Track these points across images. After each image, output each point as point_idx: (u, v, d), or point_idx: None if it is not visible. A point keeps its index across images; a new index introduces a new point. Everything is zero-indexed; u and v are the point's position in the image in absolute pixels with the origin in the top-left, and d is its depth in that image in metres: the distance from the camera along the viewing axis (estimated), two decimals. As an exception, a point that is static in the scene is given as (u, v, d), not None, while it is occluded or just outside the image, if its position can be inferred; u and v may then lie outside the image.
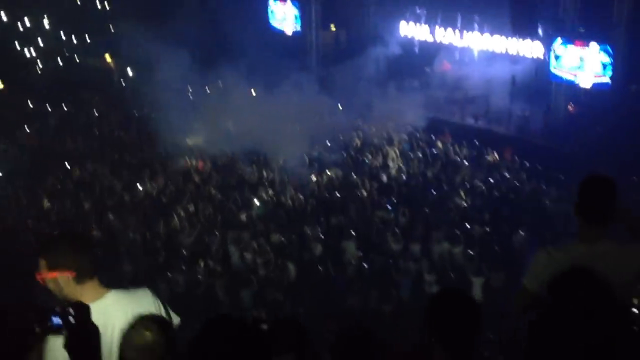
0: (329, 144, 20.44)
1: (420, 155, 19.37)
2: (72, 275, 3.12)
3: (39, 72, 29.57)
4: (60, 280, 3.11)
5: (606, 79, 19.00)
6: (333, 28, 29.56)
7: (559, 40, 19.98)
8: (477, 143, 19.95)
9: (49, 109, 24.62)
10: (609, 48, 18.99)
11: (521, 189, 16.65)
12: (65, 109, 24.86)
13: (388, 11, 26.71)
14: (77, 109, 24.87)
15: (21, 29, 32.35)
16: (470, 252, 12.87)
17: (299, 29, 28.53)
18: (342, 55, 26.52)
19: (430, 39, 25.35)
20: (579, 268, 2.72)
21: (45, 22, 33.11)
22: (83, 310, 2.66)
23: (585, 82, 19.52)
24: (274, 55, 24.55)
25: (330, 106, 23.12)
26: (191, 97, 23.39)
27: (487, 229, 13.99)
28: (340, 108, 23.05)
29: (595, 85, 19.34)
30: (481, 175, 17.55)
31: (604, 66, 19.13)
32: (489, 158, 19.05)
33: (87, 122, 23.88)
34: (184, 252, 13.78)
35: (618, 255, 3.43)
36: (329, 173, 18.10)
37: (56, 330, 2.61)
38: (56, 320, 2.60)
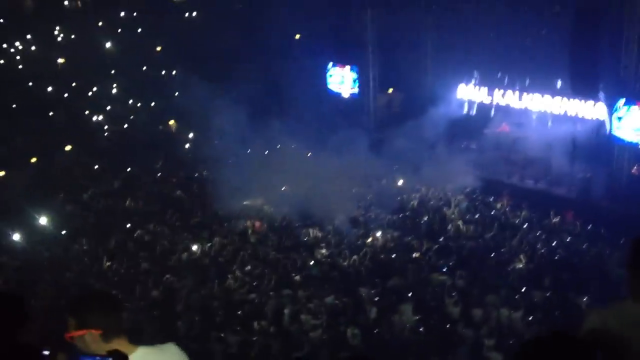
0: (385, 206, 20.36)
1: (478, 217, 19.08)
2: (99, 332, 3.19)
3: (106, 135, 30.76)
4: (87, 338, 3.19)
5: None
6: (390, 91, 29.86)
7: (621, 101, 19.65)
8: (537, 205, 19.54)
9: (114, 171, 25.47)
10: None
11: (584, 252, 16.14)
12: (130, 170, 25.66)
13: (446, 73, 26.91)
14: (141, 171, 25.65)
15: (90, 94, 33.94)
16: (530, 318, 12.46)
17: (356, 91, 28.99)
18: (399, 117, 26.68)
19: (488, 100, 25.32)
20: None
21: (113, 88, 34.73)
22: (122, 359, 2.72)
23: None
24: (332, 118, 24.93)
25: (387, 168, 23.20)
26: (250, 159, 23.84)
27: (548, 294, 13.56)
28: (397, 170, 23.06)
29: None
30: (542, 239, 17.13)
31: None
32: (550, 221, 18.60)
33: (150, 183, 24.56)
34: (239, 313, 13.81)
35: None
36: (385, 235, 17.98)
37: None
38: None
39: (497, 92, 24.86)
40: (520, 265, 15.34)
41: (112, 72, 35.20)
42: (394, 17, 27.45)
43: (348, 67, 29.49)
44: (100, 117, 32.13)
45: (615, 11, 19.86)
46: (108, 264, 16.99)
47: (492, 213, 19.57)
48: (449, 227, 18.40)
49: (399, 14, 27.63)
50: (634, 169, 20.20)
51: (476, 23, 25.40)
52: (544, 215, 18.96)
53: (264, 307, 13.93)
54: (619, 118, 19.77)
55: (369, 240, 17.59)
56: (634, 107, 19.41)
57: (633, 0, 19.21)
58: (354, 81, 29.27)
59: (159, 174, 25.68)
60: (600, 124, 21.35)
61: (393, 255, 16.31)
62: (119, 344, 3.27)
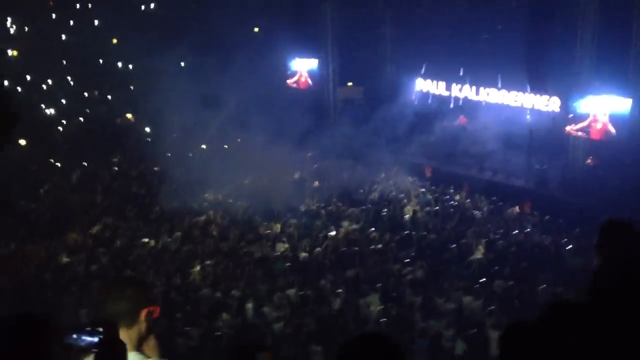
0: (346, 198, 20.47)
1: (439, 208, 19.33)
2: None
3: (62, 130, 30.16)
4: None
5: (610, 134, 19.20)
6: (349, 84, 30.00)
7: (574, 94, 20.17)
8: (495, 197, 19.90)
9: (70, 166, 25.00)
10: (623, 100, 19.12)
11: (541, 242, 16.50)
12: (86, 165, 25.23)
13: (405, 67, 27.15)
14: (99, 165, 25.25)
15: (45, 88, 33.19)
16: (490, 307, 12.69)
17: (315, 85, 29.08)
18: (358, 111, 26.83)
19: (446, 94, 25.67)
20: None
21: (69, 81, 34.01)
22: (113, 329, 2.70)
23: (599, 135, 19.61)
24: (292, 112, 24.93)
25: (348, 161, 23.33)
26: (210, 152, 23.70)
27: (508, 283, 13.82)
28: (357, 162, 23.21)
29: (609, 137, 19.43)
30: (501, 229, 17.45)
31: (617, 119, 19.26)
32: (508, 211, 18.96)
33: (108, 178, 24.19)
34: (202, 306, 13.73)
35: None
36: (346, 227, 18.08)
37: (85, 348, 2.66)
38: (85, 338, 2.65)
39: (455, 86, 25.24)
40: (480, 256, 15.60)
41: (67, 64, 34.45)
42: (353, 10, 27.59)
43: (307, 61, 29.52)
44: (56, 111, 31.46)
45: (570, 5, 20.30)
46: (66, 260, 16.70)
47: (451, 204, 19.83)
48: (410, 218, 18.59)
49: (358, 7, 27.78)
50: (588, 161, 20.73)
51: (434, 17, 25.72)
52: (502, 206, 19.31)
53: (226, 301, 13.88)
54: (573, 110, 20.29)
55: (331, 232, 17.66)
56: (585, 99, 19.94)
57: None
58: (313, 75, 29.33)
59: (117, 168, 25.31)
60: (555, 116, 21.87)
61: (355, 248, 16.40)
62: None
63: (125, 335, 2.96)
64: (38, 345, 2.56)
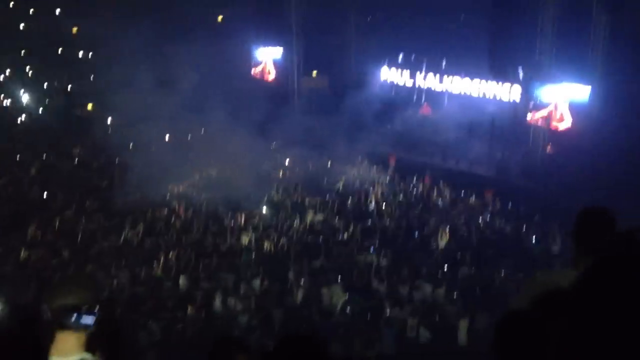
0: (311, 189, 20.45)
1: (402, 197, 19.43)
2: None
3: (21, 122, 29.54)
4: None
5: (569, 122, 19.56)
6: (314, 74, 29.92)
7: (535, 83, 20.42)
8: (458, 185, 20.08)
9: (29, 159, 24.50)
10: (582, 88, 19.45)
11: (502, 229, 16.72)
12: (46, 158, 24.75)
13: (369, 57, 27.16)
14: (59, 157, 24.79)
15: (1, 79, 32.45)
16: (453, 294, 12.83)
17: (279, 75, 28.97)
18: (324, 100, 26.80)
19: (410, 83, 25.77)
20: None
21: (27, 72, 33.29)
22: (110, 308, 2.70)
23: (559, 123, 19.93)
24: (257, 101, 24.78)
25: (312, 151, 23.30)
26: (173, 143, 23.45)
27: (470, 270, 13.98)
28: (322, 153, 23.21)
29: (569, 125, 19.78)
30: (463, 217, 17.63)
31: (576, 106, 19.59)
32: (470, 200, 19.16)
33: (68, 170, 23.76)
34: (166, 299, 13.61)
35: None
36: (311, 217, 18.08)
37: (83, 327, 2.68)
38: (86, 317, 2.69)
39: (419, 75, 25.34)
40: (443, 243, 15.73)
41: (26, 54, 33.71)
42: (318, 0, 27.46)
43: (272, 50, 29.34)
44: (14, 102, 30.78)
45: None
46: (26, 254, 16.36)
47: (415, 193, 19.96)
48: (374, 208, 18.66)
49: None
50: (548, 149, 21.04)
51: (399, 7, 25.72)
52: (465, 194, 19.50)
53: (191, 293, 13.78)
54: (534, 99, 20.56)
55: (296, 223, 17.63)
56: (546, 88, 20.23)
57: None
58: (278, 64, 29.19)
59: (77, 160, 24.86)
60: (517, 105, 22.12)
61: (320, 238, 16.40)
62: None
63: (73, 336, 2.90)
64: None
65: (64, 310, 2.71)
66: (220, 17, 31.96)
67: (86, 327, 2.69)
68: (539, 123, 20.71)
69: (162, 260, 15.48)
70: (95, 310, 2.70)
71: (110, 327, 2.71)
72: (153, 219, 18.60)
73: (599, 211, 3.54)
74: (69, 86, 31.79)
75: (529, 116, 20.79)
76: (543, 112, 20.41)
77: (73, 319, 2.69)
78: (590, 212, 3.58)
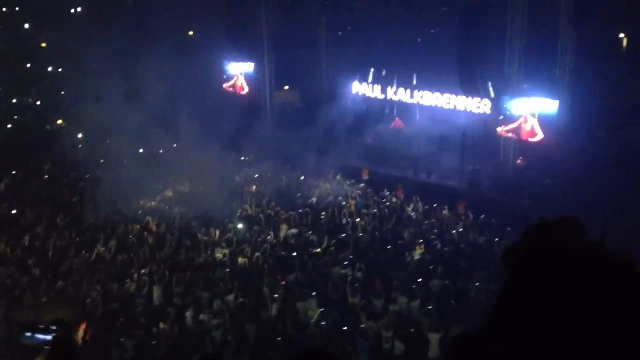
0: (284, 203, 20.43)
1: (375, 210, 19.52)
2: None
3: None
4: None
5: (540, 135, 19.89)
6: (286, 88, 30.00)
7: (505, 97, 20.76)
8: (431, 197, 20.23)
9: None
10: (551, 102, 19.80)
11: (475, 241, 16.88)
12: (15, 173, 24.38)
13: (341, 71, 27.32)
14: (28, 173, 24.43)
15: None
16: (428, 307, 12.89)
17: (250, 90, 29.01)
18: (296, 115, 26.88)
19: (382, 97, 25.95)
20: None
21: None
22: (66, 328, 2.67)
23: (529, 136, 20.26)
24: (229, 116, 24.74)
25: (285, 165, 23.33)
26: (144, 158, 23.27)
27: (444, 283, 14.07)
28: (295, 167, 23.25)
29: (538, 138, 20.12)
30: (436, 230, 17.76)
31: (546, 119, 19.94)
32: (443, 213, 19.30)
33: (38, 186, 23.43)
34: (139, 316, 13.46)
35: None
36: (285, 231, 18.05)
37: (39, 346, 2.65)
38: (39, 336, 2.65)
39: (390, 89, 25.52)
40: (417, 256, 15.83)
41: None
42: (289, 14, 27.60)
43: (243, 65, 29.38)
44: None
45: (500, 10, 20.86)
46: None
47: (388, 206, 20.06)
48: (348, 221, 18.71)
49: (294, 11, 27.81)
50: (519, 161, 21.34)
51: (369, 22, 25.97)
52: (438, 206, 19.65)
53: (165, 309, 13.65)
54: (503, 113, 20.89)
55: (269, 237, 17.59)
56: (515, 102, 20.57)
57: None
58: (250, 79, 29.21)
59: (47, 176, 24.53)
60: (487, 118, 22.41)
61: (294, 252, 16.38)
62: None
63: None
64: None
65: (20, 327, 2.69)
66: (191, 32, 31.92)
67: (39, 345, 2.65)
68: (510, 136, 21.03)
69: (135, 277, 15.34)
70: (52, 330, 2.66)
71: (67, 349, 2.68)
72: (125, 235, 18.40)
73: (569, 221, 3.61)
74: (38, 102, 31.41)
75: (499, 129, 21.11)
76: (513, 125, 20.71)
77: (27, 336, 2.67)
78: (561, 221, 3.64)
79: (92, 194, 21.59)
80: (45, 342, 2.66)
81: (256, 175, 23.15)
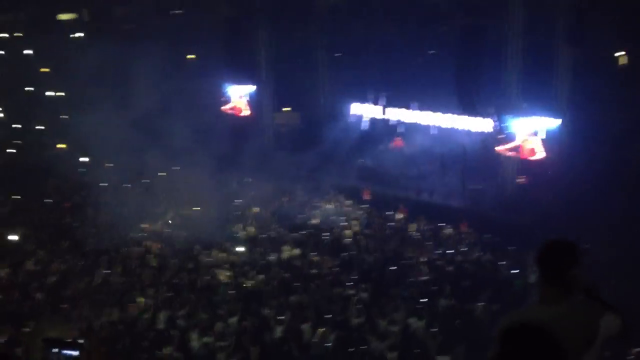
0: (286, 224, 20.44)
1: (378, 231, 19.52)
2: None
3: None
4: None
5: (542, 154, 19.96)
6: (286, 110, 30.08)
7: (505, 116, 20.86)
8: (433, 217, 20.23)
9: (1, 199, 24.18)
10: (552, 121, 19.88)
11: (478, 260, 16.87)
12: (18, 197, 24.42)
13: (341, 92, 27.43)
14: (31, 197, 24.47)
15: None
16: (433, 328, 12.84)
17: (251, 112, 29.11)
18: (297, 136, 26.97)
19: (381, 117, 26.03)
20: (530, 324, 2.78)
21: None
22: (93, 341, 2.70)
23: (529, 154, 20.33)
24: (229, 139, 24.83)
25: (286, 187, 23.37)
26: (146, 182, 23.34)
27: (449, 302, 14.04)
28: (296, 188, 23.29)
29: (539, 156, 20.17)
30: (439, 249, 17.75)
31: (546, 138, 20.01)
32: (446, 232, 19.30)
33: (40, 210, 23.47)
34: (144, 339, 13.40)
35: (575, 318, 3.46)
36: (288, 252, 18.04)
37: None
38: (66, 352, 2.69)
39: (390, 110, 25.61)
40: (421, 276, 15.80)
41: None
42: (288, 37, 27.77)
43: (243, 87, 29.51)
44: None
45: (498, 29, 21.01)
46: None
47: (391, 226, 20.06)
48: (350, 241, 18.70)
49: (292, 34, 27.97)
50: (521, 180, 21.35)
51: (368, 43, 26.10)
52: (441, 226, 19.65)
53: (169, 332, 13.60)
54: (503, 131, 20.96)
55: (272, 259, 17.57)
56: (515, 121, 20.65)
57: (513, 18, 20.45)
58: (250, 101, 29.34)
59: (49, 200, 24.56)
60: (487, 137, 22.45)
61: (297, 273, 16.36)
62: None
63: None
64: None
65: (46, 344, 2.71)
66: (192, 56, 32.09)
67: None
68: (509, 154, 21.06)
69: (137, 300, 15.31)
70: (79, 344, 2.70)
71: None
72: (127, 258, 18.38)
73: (563, 243, 3.64)
74: (41, 126, 31.53)
75: (500, 148, 21.14)
76: (514, 144, 20.77)
77: (54, 352, 2.69)
78: (554, 244, 3.68)
79: (94, 218, 21.62)
80: (72, 357, 2.68)
81: (257, 197, 23.16)
